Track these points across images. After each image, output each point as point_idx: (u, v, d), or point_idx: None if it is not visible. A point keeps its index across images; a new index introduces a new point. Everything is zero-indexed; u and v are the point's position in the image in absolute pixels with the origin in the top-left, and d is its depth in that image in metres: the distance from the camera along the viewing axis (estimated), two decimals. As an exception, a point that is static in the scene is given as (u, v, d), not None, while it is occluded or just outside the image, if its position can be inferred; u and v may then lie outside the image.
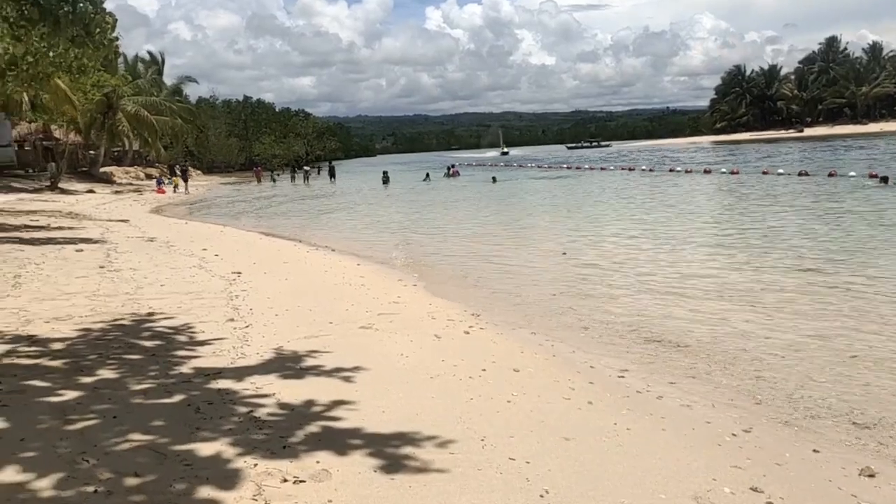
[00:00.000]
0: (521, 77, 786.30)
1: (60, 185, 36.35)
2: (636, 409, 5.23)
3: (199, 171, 74.38)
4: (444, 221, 21.88)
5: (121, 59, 50.99)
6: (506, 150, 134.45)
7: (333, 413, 4.65)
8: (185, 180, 47.29)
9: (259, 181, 61.93)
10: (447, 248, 15.80)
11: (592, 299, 9.72)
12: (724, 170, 39.08)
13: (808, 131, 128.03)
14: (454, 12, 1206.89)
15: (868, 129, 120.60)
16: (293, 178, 61.64)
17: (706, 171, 38.79)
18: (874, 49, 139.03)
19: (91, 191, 37.50)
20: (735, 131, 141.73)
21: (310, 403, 4.82)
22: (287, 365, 5.82)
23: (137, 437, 4.14)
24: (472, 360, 6.36)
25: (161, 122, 48.94)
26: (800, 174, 31.32)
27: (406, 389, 5.39)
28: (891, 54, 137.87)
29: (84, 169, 47.66)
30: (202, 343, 6.55)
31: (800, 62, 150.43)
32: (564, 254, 14.04)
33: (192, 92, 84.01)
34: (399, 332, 7.40)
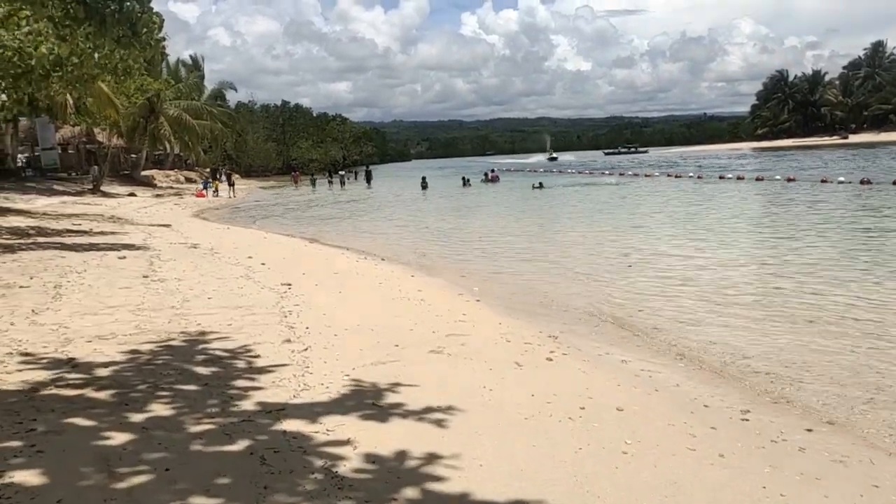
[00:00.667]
0: (556, 83, 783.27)
1: (102, 188, 36.30)
2: (780, 465, 4.37)
3: (237, 176, 74.89)
4: (494, 230, 21.08)
5: (163, 63, 51.28)
6: (554, 154, 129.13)
7: (430, 470, 3.87)
8: (231, 185, 47.13)
9: (297, 185, 61.83)
10: (503, 260, 15.02)
11: (677, 323, 8.84)
12: (777, 176, 37.82)
13: (852, 138, 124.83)
14: (490, 18, 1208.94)
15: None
16: (330, 182, 61.54)
17: (758, 179, 37.48)
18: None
19: (132, 194, 37.40)
20: (777, 137, 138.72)
21: (401, 456, 4.05)
22: (363, 402, 5.06)
23: (197, 502, 3.41)
24: (566, 395, 5.55)
25: (202, 126, 48.93)
26: (862, 182, 29.93)
27: (500, 435, 4.60)
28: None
29: (126, 172, 47.81)
30: (260, 371, 5.83)
31: (844, 67, 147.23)
32: (630, 266, 13.17)
33: (231, 97, 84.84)
34: (474, 357, 6.62)
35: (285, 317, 8.15)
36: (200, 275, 11.12)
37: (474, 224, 23.40)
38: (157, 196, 39.26)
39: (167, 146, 50.98)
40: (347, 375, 5.76)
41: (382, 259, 14.78)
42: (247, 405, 4.93)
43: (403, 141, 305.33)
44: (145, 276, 10.69)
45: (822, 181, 32.92)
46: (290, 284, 10.39)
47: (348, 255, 15.48)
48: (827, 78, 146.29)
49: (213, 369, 5.84)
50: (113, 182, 41.39)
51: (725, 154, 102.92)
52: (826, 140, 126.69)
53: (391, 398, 5.19)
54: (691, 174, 45.80)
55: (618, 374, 6.47)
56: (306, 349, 6.63)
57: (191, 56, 67.99)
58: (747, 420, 5.33)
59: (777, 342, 7.71)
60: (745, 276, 11.95)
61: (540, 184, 40.56)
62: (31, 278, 9.88)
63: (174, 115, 46.46)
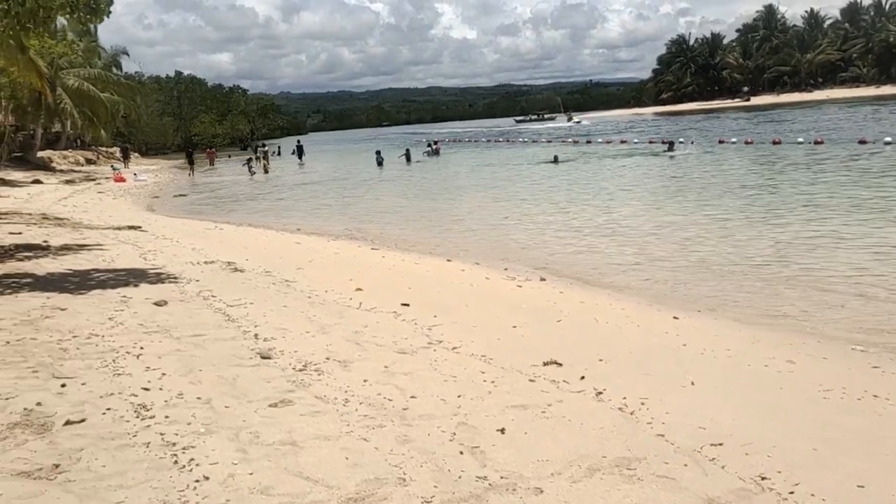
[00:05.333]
0: (442, 51, 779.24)
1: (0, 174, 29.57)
2: None
3: (136, 154, 66.85)
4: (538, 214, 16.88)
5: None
6: (576, 118, 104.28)
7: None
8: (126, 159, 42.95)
9: (212, 164, 54.98)
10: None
11: None
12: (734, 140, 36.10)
13: (753, 100, 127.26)
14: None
15: (814, 96, 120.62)
16: (251, 166, 51.06)
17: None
18: (814, 17, 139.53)
19: (37, 181, 30.74)
20: (680, 101, 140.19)
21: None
22: None
23: None
24: None
25: (110, 100, 41.81)
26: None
27: None
28: (829, 21, 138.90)
29: (18, 154, 40.19)
30: None
31: (738, 30, 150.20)
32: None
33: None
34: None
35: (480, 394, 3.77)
36: (323, 335, 6.43)
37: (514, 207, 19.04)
38: (69, 182, 32.58)
39: (66, 123, 43.44)
40: None
41: (448, 260, 10.58)
42: None
43: (293, 113, 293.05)
44: (250, 359, 5.89)
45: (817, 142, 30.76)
46: (407, 304, 5.96)
47: (412, 256, 11.04)
48: (725, 41, 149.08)
49: None
50: (7, 167, 34.29)
51: (640, 119, 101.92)
52: (728, 103, 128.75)
53: None
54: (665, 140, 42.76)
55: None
56: None
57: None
58: None
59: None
60: None
61: (555, 158, 33.31)
62: (64, 386, 4.95)
63: (75, 86, 39.27)
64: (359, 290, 8.40)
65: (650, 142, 41.62)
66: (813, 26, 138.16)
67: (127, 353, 5.75)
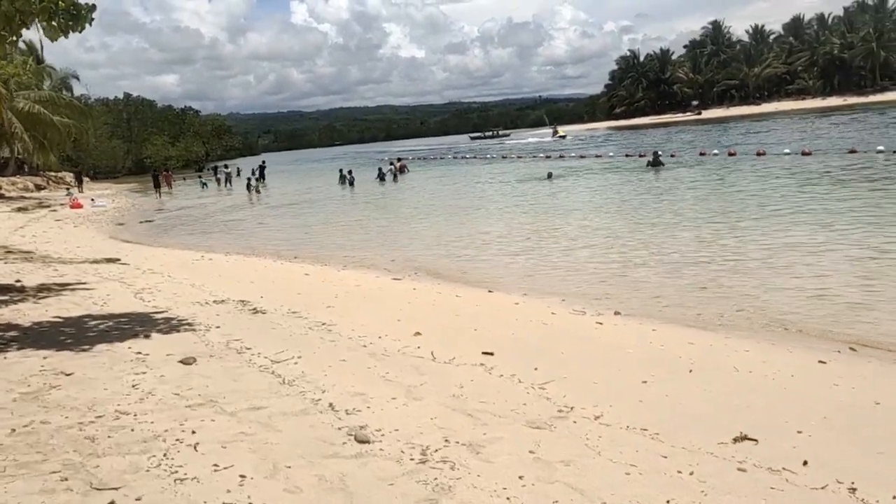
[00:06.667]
0: (392, 70, 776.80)
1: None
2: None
3: (86, 178, 64.03)
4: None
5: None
6: (562, 133, 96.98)
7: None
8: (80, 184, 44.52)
9: (170, 187, 52.78)
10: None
11: None
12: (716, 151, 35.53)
13: (705, 114, 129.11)
14: (320, 6, 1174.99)
15: (763, 109, 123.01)
16: (204, 183, 49.24)
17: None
18: (759, 32, 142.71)
19: (-14, 210, 28.65)
20: (633, 116, 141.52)
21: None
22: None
23: None
24: None
25: (63, 123, 39.48)
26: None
27: None
28: (773, 36, 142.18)
29: (-39, 182, 37.74)
30: None
31: (685, 46, 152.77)
32: None
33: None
34: None
35: None
36: (452, 409, 5.13)
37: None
38: (22, 210, 30.41)
39: (15, 148, 40.95)
40: None
41: (490, 291, 9.12)
42: None
43: (244, 134, 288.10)
44: (363, 442, 4.56)
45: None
46: (491, 353, 4.79)
47: (501, 295, 9.65)
48: (674, 57, 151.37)
49: None
50: (-48, 196, 32.02)
51: (601, 134, 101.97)
52: (680, 117, 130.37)
53: None
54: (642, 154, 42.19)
55: None
56: None
57: (23, 40, 56.48)
58: None
59: None
60: None
61: (549, 174, 31.34)
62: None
63: (24, 109, 37.04)
64: (418, 334, 7.12)
65: (626, 155, 40.88)
66: (759, 41, 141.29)
67: (177, 440, 4.39)
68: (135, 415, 4.82)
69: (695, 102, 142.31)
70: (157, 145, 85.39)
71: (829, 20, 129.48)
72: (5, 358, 6.34)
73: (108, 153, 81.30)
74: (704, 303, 8.66)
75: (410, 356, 6.37)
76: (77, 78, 62.47)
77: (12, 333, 7.24)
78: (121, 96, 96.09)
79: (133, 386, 5.50)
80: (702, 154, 35.63)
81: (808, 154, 29.02)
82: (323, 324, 7.80)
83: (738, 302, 8.47)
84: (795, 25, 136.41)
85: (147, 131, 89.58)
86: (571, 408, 4.83)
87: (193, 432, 4.48)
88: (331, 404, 5.01)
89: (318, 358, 6.34)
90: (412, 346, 6.67)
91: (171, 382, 5.60)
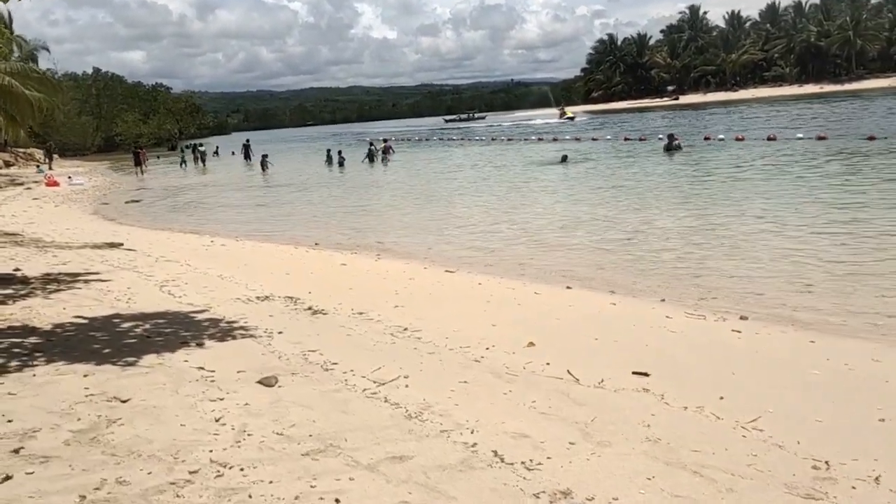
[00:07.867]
0: (363, 51, 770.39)
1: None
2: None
3: (56, 156, 61.40)
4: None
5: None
6: (570, 114, 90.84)
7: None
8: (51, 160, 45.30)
9: (145, 164, 50.70)
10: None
11: None
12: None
13: (682, 99, 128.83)
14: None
15: (740, 95, 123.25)
16: (184, 161, 47.95)
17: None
18: (735, 18, 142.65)
19: (-43, 188, 26.77)
20: (610, 100, 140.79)
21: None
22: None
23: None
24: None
25: (35, 97, 37.24)
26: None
27: None
28: (750, 22, 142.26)
29: (-73, 158, 35.54)
30: None
31: (662, 31, 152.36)
32: None
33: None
34: None
35: None
36: (646, 456, 3.99)
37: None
38: (-6, 189, 28.56)
39: (-17, 122, 38.65)
40: None
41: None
42: None
43: (213, 113, 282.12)
44: None
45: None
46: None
47: (582, 292, 8.45)
48: (651, 42, 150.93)
49: None
50: (-83, 172, 29.96)
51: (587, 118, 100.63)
52: (658, 102, 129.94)
53: None
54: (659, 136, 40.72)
55: None
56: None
57: (-12, 9, 53.56)
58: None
59: None
60: None
61: (564, 157, 29.41)
62: None
63: (-6, 80, 34.86)
64: (531, 344, 5.92)
65: (640, 139, 39.32)
66: (735, 27, 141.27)
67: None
68: (241, 468, 3.57)
69: (670, 88, 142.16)
70: (129, 122, 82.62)
71: (807, 8, 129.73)
72: (34, 375, 5.02)
73: (77, 130, 78.49)
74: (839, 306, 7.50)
75: (543, 376, 5.18)
76: (48, 50, 59.38)
77: (33, 340, 5.90)
78: (89, 72, 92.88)
79: (217, 420, 4.23)
80: (706, 139, 34.56)
81: (824, 138, 28.25)
82: (404, 329, 6.56)
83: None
84: (771, 12, 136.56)
85: (117, 108, 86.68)
86: (827, 462, 3.67)
87: (337, 501, 3.24)
88: (495, 452, 3.80)
89: (428, 378, 5.13)
90: (536, 362, 5.47)
91: (264, 415, 4.34)
